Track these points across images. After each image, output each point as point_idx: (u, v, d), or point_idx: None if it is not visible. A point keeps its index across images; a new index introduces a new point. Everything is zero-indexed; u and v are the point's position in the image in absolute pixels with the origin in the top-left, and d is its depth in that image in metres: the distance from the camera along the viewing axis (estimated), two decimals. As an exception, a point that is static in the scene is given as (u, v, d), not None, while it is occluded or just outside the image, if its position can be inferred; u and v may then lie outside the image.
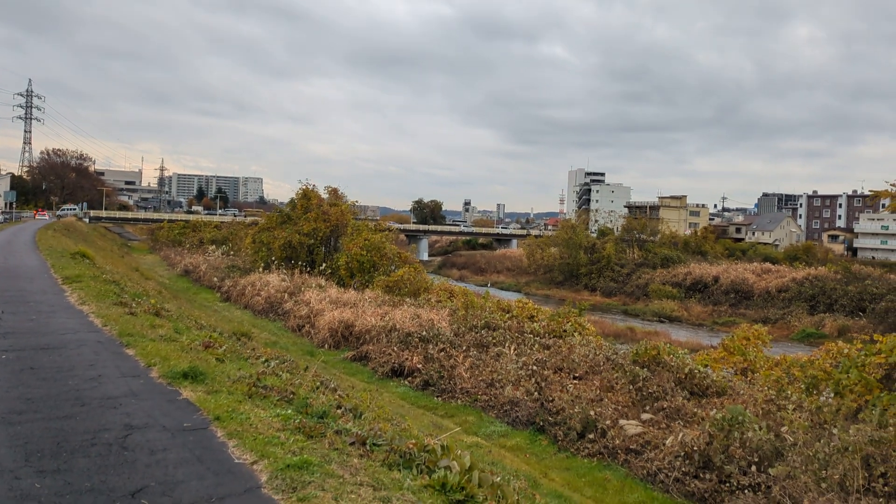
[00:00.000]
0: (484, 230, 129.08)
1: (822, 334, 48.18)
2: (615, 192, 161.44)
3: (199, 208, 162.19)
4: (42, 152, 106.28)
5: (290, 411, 5.62)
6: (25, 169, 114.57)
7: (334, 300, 25.26)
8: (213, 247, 46.50)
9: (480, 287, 64.61)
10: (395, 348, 19.00)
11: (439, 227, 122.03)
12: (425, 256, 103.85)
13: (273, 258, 35.88)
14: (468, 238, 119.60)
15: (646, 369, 16.44)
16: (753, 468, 10.41)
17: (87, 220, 78.27)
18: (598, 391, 15.16)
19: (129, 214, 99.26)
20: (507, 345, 19.00)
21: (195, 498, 4.22)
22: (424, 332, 19.84)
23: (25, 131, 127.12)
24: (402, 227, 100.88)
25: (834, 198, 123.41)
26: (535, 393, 15.13)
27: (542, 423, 13.50)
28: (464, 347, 19.15)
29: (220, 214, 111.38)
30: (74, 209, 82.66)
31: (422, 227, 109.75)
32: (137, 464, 4.72)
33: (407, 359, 18.11)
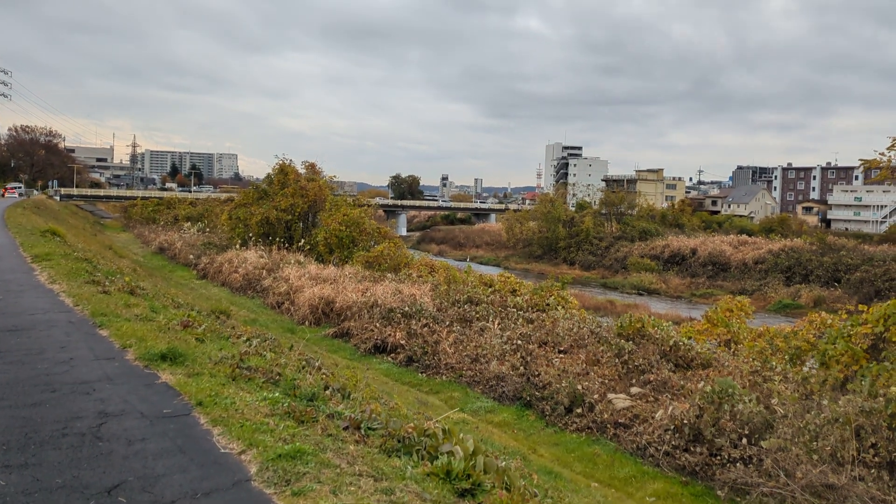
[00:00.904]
0: (462, 205, 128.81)
1: (798, 305, 48.73)
2: (592, 165, 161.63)
3: (173, 185, 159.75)
4: (10, 129, 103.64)
5: (277, 394, 5.26)
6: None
7: (314, 276, 24.87)
8: (189, 224, 45.70)
9: (460, 262, 64.45)
10: (378, 324, 18.72)
11: (417, 203, 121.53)
12: (404, 232, 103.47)
13: (250, 235, 35.30)
14: (446, 213, 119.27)
15: (631, 342, 16.35)
16: (744, 441, 10.32)
17: (57, 197, 76.58)
18: (584, 365, 15.02)
19: (101, 192, 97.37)
20: (490, 319, 18.79)
21: (178, 493, 3.87)
22: (407, 308, 19.55)
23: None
24: (380, 202, 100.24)
25: (808, 170, 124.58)
26: (521, 367, 14.96)
27: (528, 399, 13.34)
28: (447, 322, 18.91)
29: (194, 191, 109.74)
30: (20, 186, 73.64)
31: (400, 202, 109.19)
32: (113, 456, 4.36)
33: (390, 335, 17.85)
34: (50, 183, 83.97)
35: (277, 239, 34.93)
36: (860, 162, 14.98)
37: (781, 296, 50.54)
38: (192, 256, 34.77)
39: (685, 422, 10.92)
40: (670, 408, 11.35)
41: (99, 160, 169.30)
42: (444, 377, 15.42)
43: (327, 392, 5.67)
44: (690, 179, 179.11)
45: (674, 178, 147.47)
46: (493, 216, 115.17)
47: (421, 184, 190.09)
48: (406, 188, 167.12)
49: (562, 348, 16.90)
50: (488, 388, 14.37)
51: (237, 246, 34.01)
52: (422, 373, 15.83)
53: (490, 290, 22.84)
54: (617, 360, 15.38)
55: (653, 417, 11.68)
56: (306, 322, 21.33)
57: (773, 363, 15.22)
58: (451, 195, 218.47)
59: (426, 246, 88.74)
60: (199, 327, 7.62)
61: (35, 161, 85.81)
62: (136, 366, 6.16)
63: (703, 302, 53.00)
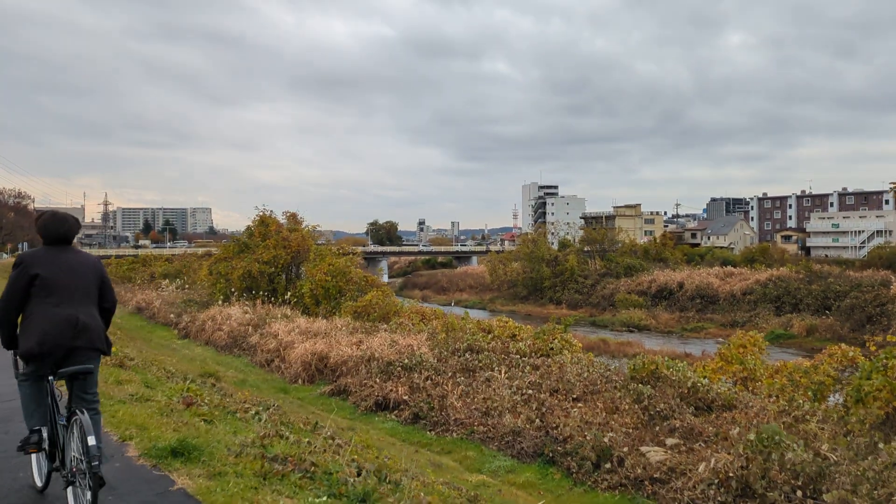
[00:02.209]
0: (443, 249, 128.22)
1: (791, 335, 48.33)
2: (570, 203, 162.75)
3: (147, 242, 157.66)
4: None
5: (324, 498, 4.26)
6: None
7: (304, 330, 23.77)
8: (167, 281, 44.33)
9: (444, 306, 63.42)
10: (378, 380, 17.65)
11: (398, 248, 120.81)
12: (386, 278, 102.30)
13: (232, 289, 34.11)
14: (427, 257, 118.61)
15: (648, 386, 15.50)
16: (799, 493, 9.42)
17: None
18: (604, 414, 14.10)
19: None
20: (496, 368, 17.82)
21: None
22: (406, 360, 18.54)
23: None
24: (361, 249, 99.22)
25: (783, 199, 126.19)
26: (537, 420, 13.97)
27: (551, 455, 12.33)
28: (449, 374, 17.91)
29: (169, 247, 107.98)
30: None
31: (380, 248, 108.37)
32: None
33: (391, 390, 16.79)
34: (20, 246, 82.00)
35: (261, 292, 33.78)
36: (891, 186, 14.38)
37: (773, 326, 50.13)
38: (172, 315, 33.43)
39: (730, 474, 10.01)
40: (712, 459, 10.43)
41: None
42: (454, 434, 14.36)
43: (369, 481, 4.69)
44: (665, 213, 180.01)
45: (651, 213, 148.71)
46: (474, 259, 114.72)
47: (398, 229, 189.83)
48: (384, 234, 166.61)
49: (574, 395, 15.97)
50: (504, 444, 13.34)
51: (220, 302, 32.78)
52: (430, 430, 14.75)
53: (489, 336, 21.92)
54: (636, 407, 14.49)
55: (690, 470, 10.75)
56: (299, 380, 20.17)
57: (801, 402, 14.42)
58: (429, 239, 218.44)
59: (409, 292, 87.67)
60: (202, 404, 6.60)
61: (3, 224, 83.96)
62: (141, 466, 4.93)
63: (695, 336, 52.45)
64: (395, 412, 16.10)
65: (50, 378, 4.58)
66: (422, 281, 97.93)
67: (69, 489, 4.41)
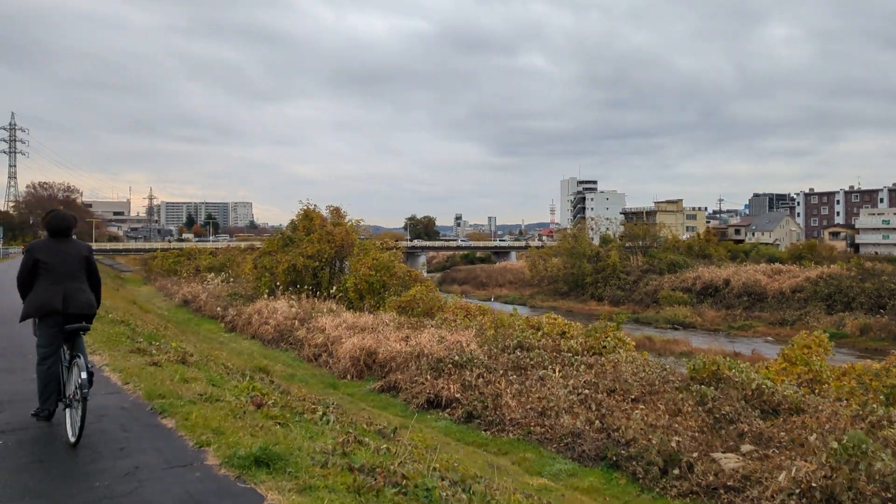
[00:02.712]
0: (481, 244, 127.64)
1: (843, 334, 46.83)
2: (610, 199, 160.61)
3: (190, 235, 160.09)
4: (28, 186, 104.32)
5: None
6: (11, 204, 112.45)
7: (351, 325, 23.63)
8: (212, 274, 44.74)
9: (484, 302, 63.05)
10: (428, 377, 17.36)
11: (437, 243, 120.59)
12: (424, 273, 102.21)
13: (277, 283, 34.22)
14: (466, 253, 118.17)
15: (712, 387, 14.92)
16: (890, 506, 8.84)
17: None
18: (666, 416, 13.58)
19: (120, 245, 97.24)
20: (549, 366, 17.38)
21: None
22: (456, 357, 18.21)
23: (10, 166, 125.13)
24: (402, 244, 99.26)
25: (831, 194, 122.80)
26: (597, 421, 13.52)
27: (614, 458, 11.88)
28: (501, 371, 17.54)
29: (212, 241, 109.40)
30: None
31: (419, 243, 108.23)
32: None
33: (443, 388, 16.48)
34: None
35: (306, 287, 33.83)
36: None
37: (825, 325, 48.54)
38: (218, 308, 33.66)
39: (813, 484, 9.46)
40: (793, 468, 9.89)
41: (116, 214, 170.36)
42: (510, 434, 13.98)
43: (463, 496, 4.34)
44: (706, 209, 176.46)
45: (693, 208, 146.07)
46: (513, 254, 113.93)
47: (436, 224, 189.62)
48: (422, 229, 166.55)
49: (633, 396, 15.48)
50: (563, 446, 12.92)
51: (265, 295, 32.90)
52: (485, 430, 14.40)
53: (539, 333, 21.47)
54: (700, 409, 13.94)
55: (767, 479, 10.21)
56: (348, 375, 20.01)
57: (874, 406, 13.72)
58: (466, 234, 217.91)
59: (448, 287, 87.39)
60: (271, 404, 6.33)
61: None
62: (224, 476, 4.54)
63: (743, 334, 51.17)
64: (448, 410, 15.78)
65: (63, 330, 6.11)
66: (461, 276, 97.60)
67: (67, 411, 5.88)
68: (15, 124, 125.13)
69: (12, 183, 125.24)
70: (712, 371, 16.08)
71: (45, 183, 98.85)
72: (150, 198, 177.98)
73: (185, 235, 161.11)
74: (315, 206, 38.89)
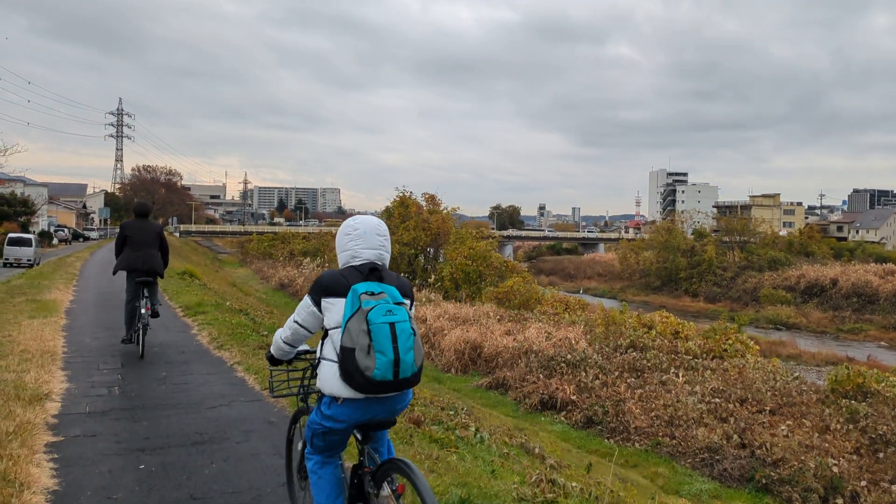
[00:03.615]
0: (568, 234, 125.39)
1: (972, 343, 43.21)
2: (702, 192, 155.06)
3: (281, 220, 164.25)
4: (133, 169, 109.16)
5: None
6: (118, 186, 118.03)
7: (452, 316, 23.10)
8: (308, 259, 45.22)
9: (572, 293, 61.58)
10: (540, 376, 16.59)
11: (524, 233, 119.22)
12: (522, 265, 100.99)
13: (373, 270, 34.09)
14: (552, 243, 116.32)
15: (864, 403, 13.56)
16: None
17: (177, 234, 79.19)
18: (815, 434, 12.36)
19: (217, 228, 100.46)
20: (671, 370, 16.31)
21: None
22: (569, 356, 17.37)
23: (117, 149, 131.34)
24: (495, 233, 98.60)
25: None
26: (736, 436, 12.44)
27: (763, 481, 10.81)
28: (616, 373, 16.61)
29: (304, 225, 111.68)
30: (64, 229, 65.98)
31: (506, 232, 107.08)
32: None
33: (557, 389, 15.68)
34: (170, 220, 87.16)
35: (402, 274, 33.56)
36: None
37: (949, 332, 45.02)
38: (316, 294, 33.82)
39: None
40: None
41: (212, 197, 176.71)
42: (636, 444, 13.07)
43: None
44: (800, 204, 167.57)
45: (791, 203, 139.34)
46: (601, 245, 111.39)
47: (520, 214, 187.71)
48: (507, 218, 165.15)
49: (768, 408, 14.27)
50: (699, 462, 11.92)
51: (361, 283, 32.83)
52: (608, 438, 13.54)
53: (652, 332, 20.32)
54: (851, 428, 12.64)
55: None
56: (452, 369, 19.45)
57: None
58: (549, 224, 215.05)
59: (535, 277, 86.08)
60: (427, 422, 5.69)
61: (156, 199, 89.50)
62: None
63: (853, 338, 48.00)
64: (564, 413, 14.99)
65: (138, 282, 8.59)
66: (547, 267, 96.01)
67: (136, 335, 8.53)
68: (122, 110, 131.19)
69: (118, 166, 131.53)
70: (857, 384, 14.66)
71: (148, 166, 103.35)
72: (245, 182, 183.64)
73: (276, 219, 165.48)
74: (411, 192, 38.54)
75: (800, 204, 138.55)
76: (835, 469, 10.35)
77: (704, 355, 18.75)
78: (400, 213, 37.65)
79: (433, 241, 36.52)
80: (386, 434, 3.22)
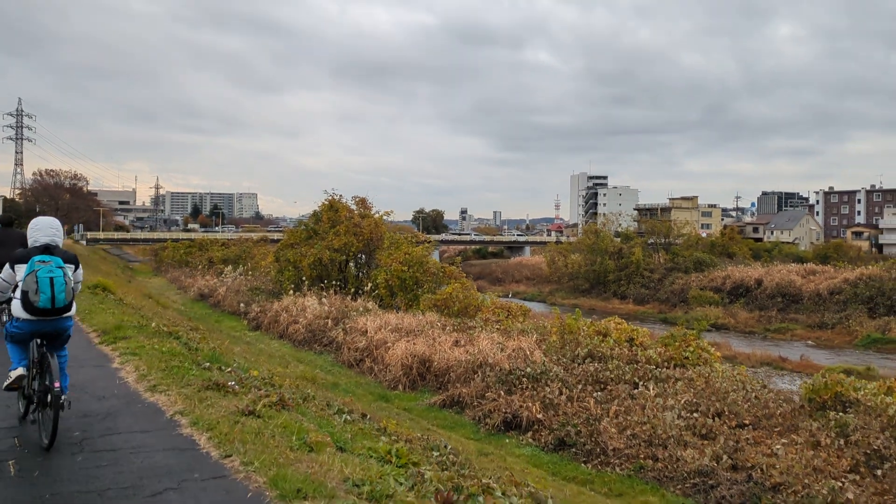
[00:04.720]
0: (495, 238, 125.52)
1: (890, 339, 44.66)
2: (623, 195, 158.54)
3: (196, 226, 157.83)
4: (35, 174, 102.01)
5: None
6: (17, 191, 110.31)
7: (395, 328, 21.42)
8: (229, 267, 42.51)
9: (502, 298, 60.77)
10: (501, 392, 15.17)
11: (450, 237, 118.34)
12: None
13: (303, 278, 32.00)
14: (478, 247, 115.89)
15: (851, 415, 12.72)
16: None
17: (84, 242, 74.16)
18: (809, 452, 11.37)
19: (128, 235, 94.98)
20: (640, 382, 15.18)
21: None
22: (529, 369, 16.03)
23: (17, 152, 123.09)
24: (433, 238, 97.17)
25: (852, 193, 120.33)
26: (726, 456, 11.31)
27: (768, 510, 9.67)
28: (579, 387, 15.37)
29: (222, 232, 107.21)
30: None
31: (437, 237, 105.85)
32: None
33: (521, 406, 14.28)
34: (75, 227, 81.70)
35: (333, 282, 31.61)
36: None
37: (868, 329, 46.36)
38: (241, 304, 31.47)
39: None
40: None
41: (121, 203, 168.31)
42: (617, 469, 11.77)
43: None
44: (716, 206, 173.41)
45: (708, 206, 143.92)
46: (527, 249, 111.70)
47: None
48: (430, 222, 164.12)
49: (746, 422, 13.28)
50: (692, 488, 10.71)
51: (290, 291, 30.70)
52: (584, 462, 12.18)
53: (609, 340, 19.23)
54: (843, 443, 11.73)
55: None
56: (399, 386, 17.80)
57: None
58: (472, 228, 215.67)
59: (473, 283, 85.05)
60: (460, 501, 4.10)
61: (60, 205, 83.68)
62: None
63: (780, 338, 48.89)
64: (531, 434, 13.59)
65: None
66: (475, 271, 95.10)
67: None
68: (22, 110, 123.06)
69: (18, 170, 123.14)
70: (835, 392, 13.87)
71: (51, 171, 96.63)
72: (157, 187, 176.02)
73: (190, 226, 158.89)
74: (341, 196, 36.60)
75: (716, 206, 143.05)
76: (849, 495, 9.29)
77: (666, 364, 17.76)
78: (329, 218, 35.64)
79: (366, 247, 34.68)
80: (63, 341, 5.97)
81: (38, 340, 5.73)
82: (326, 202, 36.57)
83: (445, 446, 8.16)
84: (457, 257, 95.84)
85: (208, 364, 7.78)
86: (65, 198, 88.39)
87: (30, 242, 5.88)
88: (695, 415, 13.19)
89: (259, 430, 4.80)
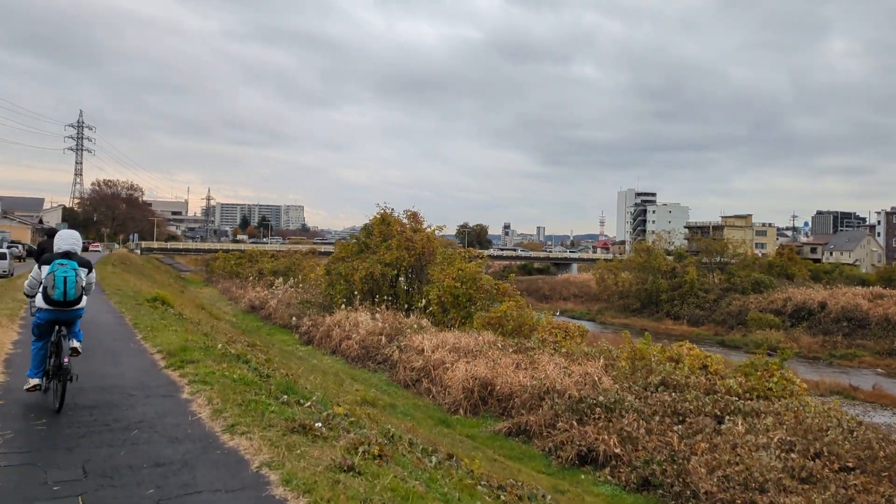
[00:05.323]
0: (541, 254, 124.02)
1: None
2: (672, 212, 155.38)
3: (244, 237, 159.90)
4: (93, 183, 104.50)
5: None
6: (76, 200, 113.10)
7: (453, 347, 20.56)
8: (280, 280, 42.28)
9: (551, 317, 59.37)
10: (574, 422, 14.14)
11: (496, 252, 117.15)
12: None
13: (354, 292, 31.42)
14: (524, 263, 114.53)
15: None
16: None
17: (138, 251, 75.29)
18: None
19: (180, 245, 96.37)
20: (729, 416, 14.00)
21: None
22: (601, 398, 14.98)
23: (77, 163, 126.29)
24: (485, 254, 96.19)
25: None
26: (838, 508, 10.11)
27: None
28: (656, 419, 14.26)
29: (269, 243, 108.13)
30: (17, 245, 54.79)
31: (486, 252, 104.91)
32: None
33: (597, 439, 13.24)
34: (131, 236, 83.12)
35: (385, 297, 30.96)
36: None
37: (946, 359, 43.80)
38: (293, 318, 31.02)
39: None
40: None
41: (174, 213, 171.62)
42: (711, 516, 10.65)
43: None
44: (772, 225, 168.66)
45: (763, 224, 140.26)
46: (574, 266, 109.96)
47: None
48: (474, 237, 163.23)
49: (850, 465, 12.02)
50: (802, 542, 9.56)
51: (342, 306, 30.13)
52: (673, 505, 11.11)
53: (683, 367, 18.05)
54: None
55: None
56: (460, 410, 16.89)
57: None
58: (514, 244, 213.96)
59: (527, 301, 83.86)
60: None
61: (116, 215, 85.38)
62: None
63: (847, 364, 46.52)
64: (608, 470, 12.54)
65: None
66: (521, 287, 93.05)
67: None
68: (83, 122, 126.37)
69: (78, 180, 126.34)
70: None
71: (109, 181, 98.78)
72: (208, 198, 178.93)
73: (239, 237, 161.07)
74: (392, 209, 36.00)
75: (771, 225, 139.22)
76: None
77: (747, 395, 16.52)
78: (381, 231, 35.09)
79: (417, 262, 33.95)
80: (76, 326, 7.67)
81: (58, 328, 7.32)
82: (378, 215, 36.03)
83: (543, 496, 7.25)
84: (511, 274, 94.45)
85: (285, 397, 6.90)
86: (121, 208, 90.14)
87: (55, 249, 7.48)
88: (791, 455, 11.98)
89: (366, 497, 3.90)
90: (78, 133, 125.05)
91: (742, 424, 13.48)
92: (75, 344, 7.57)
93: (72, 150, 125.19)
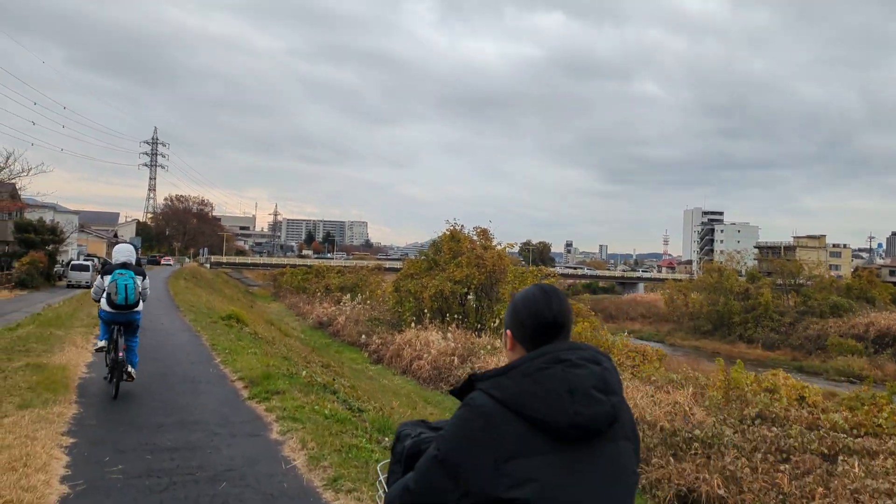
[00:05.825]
0: (607, 273, 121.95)
1: None
2: (741, 231, 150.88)
3: (310, 252, 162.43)
4: (166, 199, 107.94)
5: None
6: (150, 215, 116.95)
7: (530, 372, 19.83)
8: (348, 296, 42.31)
9: (615, 336, 57.87)
10: (670, 457, 13.27)
11: (561, 270, 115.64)
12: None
13: (424, 310, 31.03)
14: (588, 282, 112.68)
15: None
16: None
17: (208, 265, 77.04)
18: None
19: (248, 259, 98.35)
20: (842, 456, 12.90)
21: None
22: (698, 431, 14.05)
23: (151, 178, 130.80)
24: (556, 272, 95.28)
25: None
26: None
27: None
28: (758, 456, 13.23)
29: (335, 259, 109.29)
30: (93, 259, 53.70)
31: (555, 270, 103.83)
32: None
33: (698, 478, 12.33)
34: (201, 250, 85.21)
35: (455, 315, 30.46)
36: None
37: None
38: (362, 336, 30.81)
39: None
40: None
41: (242, 228, 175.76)
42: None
43: None
44: (846, 246, 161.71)
45: (836, 245, 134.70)
46: (640, 285, 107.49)
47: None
48: (537, 255, 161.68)
49: None
50: None
51: (411, 324, 29.76)
52: (789, 557, 10.16)
53: (782, 398, 16.91)
54: None
55: None
56: (542, 439, 16.14)
57: None
58: (577, 262, 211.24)
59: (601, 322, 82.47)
60: None
61: (188, 229, 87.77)
62: None
63: (940, 395, 43.79)
64: (712, 513, 11.64)
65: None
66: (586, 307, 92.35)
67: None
68: (157, 139, 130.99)
69: (151, 195, 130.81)
70: None
71: (181, 196, 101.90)
72: (276, 214, 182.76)
73: (304, 252, 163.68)
74: (462, 226, 35.57)
75: (846, 246, 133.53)
76: None
77: (853, 431, 15.29)
78: (450, 248, 34.66)
79: (487, 279, 33.38)
80: (134, 329, 8.94)
81: (116, 327, 8.65)
82: (447, 232, 35.67)
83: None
84: (585, 294, 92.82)
85: (386, 440, 6.20)
86: (192, 222, 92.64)
87: (113, 261, 8.84)
88: (920, 504, 10.86)
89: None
90: (152, 149, 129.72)
91: (858, 466, 12.36)
92: (130, 369, 8.59)
93: (146, 165, 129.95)
